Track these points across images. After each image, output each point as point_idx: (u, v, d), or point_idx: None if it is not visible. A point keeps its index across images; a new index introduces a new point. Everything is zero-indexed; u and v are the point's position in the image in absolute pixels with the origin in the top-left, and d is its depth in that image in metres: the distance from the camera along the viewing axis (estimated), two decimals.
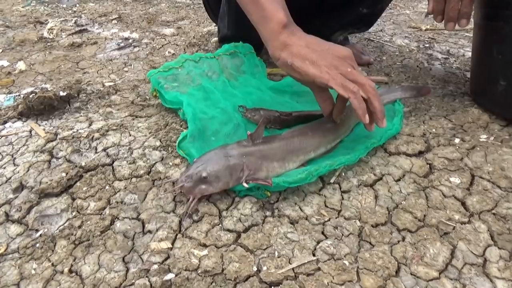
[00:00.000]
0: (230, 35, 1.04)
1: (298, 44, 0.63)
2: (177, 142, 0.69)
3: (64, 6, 1.81)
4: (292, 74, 0.65)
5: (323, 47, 0.63)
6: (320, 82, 0.60)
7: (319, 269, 0.50)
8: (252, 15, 0.68)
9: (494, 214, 0.57)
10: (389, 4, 1.22)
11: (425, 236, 0.54)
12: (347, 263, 0.50)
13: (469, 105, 0.87)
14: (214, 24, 1.32)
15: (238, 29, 1.02)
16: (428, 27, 1.49)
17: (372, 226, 0.56)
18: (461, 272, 0.49)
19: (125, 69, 1.10)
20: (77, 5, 1.83)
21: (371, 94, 0.60)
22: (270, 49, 0.66)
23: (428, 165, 0.68)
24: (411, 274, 0.49)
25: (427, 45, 1.31)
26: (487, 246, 0.52)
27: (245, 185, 0.57)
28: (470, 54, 1.14)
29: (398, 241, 0.54)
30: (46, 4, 1.83)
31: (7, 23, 1.51)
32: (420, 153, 0.71)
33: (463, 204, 0.60)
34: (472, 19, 0.80)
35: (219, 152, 0.60)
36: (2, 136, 0.76)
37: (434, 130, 0.77)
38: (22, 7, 1.78)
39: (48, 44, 1.30)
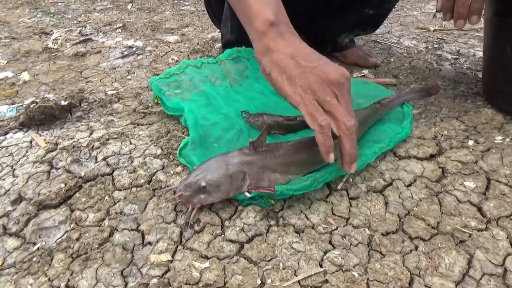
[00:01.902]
0: (234, 40, 1.03)
1: (282, 52, 0.56)
2: (178, 149, 0.67)
3: (70, 16, 1.82)
4: (270, 83, 0.58)
5: (311, 63, 0.54)
6: (291, 103, 0.55)
7: (326, 281, 0.47)
8: (240, 14, 0.64)
9: None
10: (396, 6, 1.20)
11: (439, 245, 0.51)
12: (356, 274, 0.48)
13: (482, 105, 0.83)
14: (218, 30, 1.30)
15: (241, 33, 0.99)
16: (436, 27, 1.46)
17: (382, 234, 0.53)
18: (480, 283, 0.46)
19: (128, 77, 1.09)
20: (82, 15, 1.85)
21: (344, 134, 0.53)
22: (254, 51, 0.61)
23: (441, 169, 0.64)
24: (425, 285, 0.46)
25: (436, 46, 1.28)
26: (507, 255, 0.49)
27: (247, 194, 0.55)
28: (481, 53, 1.11)
29: (411, 250, 0.51)
30: (52, 15, 1.84)
31: (13, 35, 1.53)
32: (431, 157, 0.68)
33: (480, 209, 0.56)
34: (482, 16, 0.77)
35: (220, 160, 0.57)
36: (2, 147, 0.75)
37: (445, 132, 0.74)
38: (28, 18, 1.79)
39: (53, 54, 1.30)
